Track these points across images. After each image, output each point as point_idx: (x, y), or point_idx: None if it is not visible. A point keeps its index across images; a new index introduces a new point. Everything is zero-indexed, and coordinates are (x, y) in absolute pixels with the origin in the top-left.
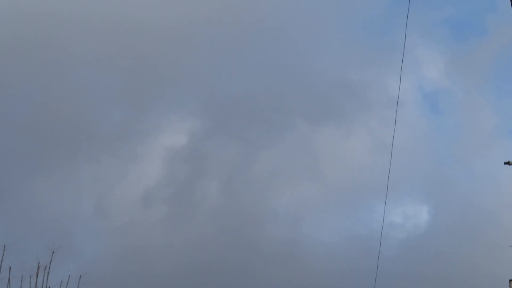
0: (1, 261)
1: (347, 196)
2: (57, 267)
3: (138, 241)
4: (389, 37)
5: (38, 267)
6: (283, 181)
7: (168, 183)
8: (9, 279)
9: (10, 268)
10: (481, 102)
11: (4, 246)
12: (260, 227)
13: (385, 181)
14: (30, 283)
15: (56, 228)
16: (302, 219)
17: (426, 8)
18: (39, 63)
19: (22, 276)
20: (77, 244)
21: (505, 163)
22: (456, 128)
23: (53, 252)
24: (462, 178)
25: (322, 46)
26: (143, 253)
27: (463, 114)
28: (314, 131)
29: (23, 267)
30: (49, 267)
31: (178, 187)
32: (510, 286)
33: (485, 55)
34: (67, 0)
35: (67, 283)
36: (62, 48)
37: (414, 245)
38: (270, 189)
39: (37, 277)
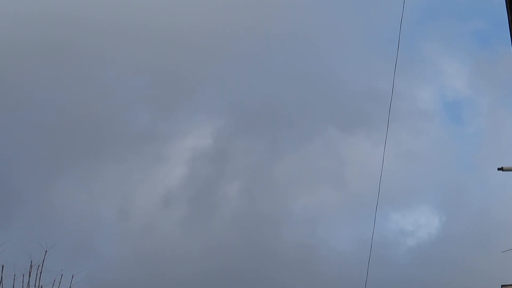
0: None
1: (366, 203)
2: (72, 270)
3: (156, 245)
4: (416, 47)
5: (31, 266)
6: (304, 186)
7: (190, 184)
8: (1, 278)
9: (2, 266)
10: (503, 113)
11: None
12: (277, 231)
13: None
14: (22, 282)
15: (77, 231)
16: (319, 224)
17: (452, 17)
18: (67, 66)
19: (14, 275)
20: (97, 247)
21: (499, 169)
22: (476, 138)
23: (46, 251)
24: (476, 188)
25: (351, 54)
26: (159, 259)
27: (484, 124)
28: (341, 138)
29: (17, 266)
30: (42, 266)
31: (199, 188)
32: None
33: (510, 65)
34: (95, 3)
35: (60, 282)
36: (91, 51)
37: (425, 253)
38: (290, 193)
39: (29, 276)
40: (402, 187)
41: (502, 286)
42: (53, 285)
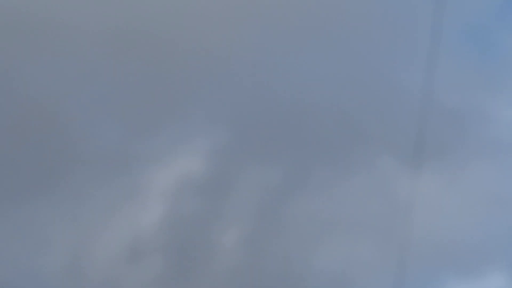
0: None
1: (424, 264)
2: None
3: None
4: (501, 53)
5: None
6: (334, 235)
7: (171, 228)
8: None
9: None
10: None
11: None
12: None
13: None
14: None
15: None
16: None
17: None
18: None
19: None
20: None
21: None
22: None
23: None
24: None
25: (415, 59)
26: None
27: None
28: (399, 171)
29: None
30: None
31: (183, 234)
32: None
33: None
34: None
35: None
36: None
37: None
38: (313, 243)
39: None
40: (476, 244)
41: None
42: None
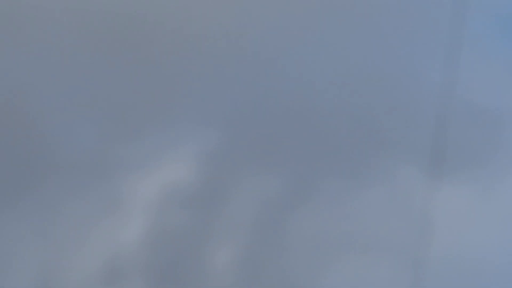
0: None
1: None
2: None
3: None
4: None
5: None
6: (346, 253)
7: (154, 247)
8: None
9: None
10: None
11: None
12: None
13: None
14: None
15: None
16: None
17: None
18: None
19: None
20: None
21: None
22: None
23: None
24: None
25: (437, 54)
26: None
27: None
28: (416, 181)
29: None
30: None
31: (168, 254)
32: None
33: None
34: None
35: None
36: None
37: None
38: (323, 264)
39: None
40: (504, 266)
41: None
42: None
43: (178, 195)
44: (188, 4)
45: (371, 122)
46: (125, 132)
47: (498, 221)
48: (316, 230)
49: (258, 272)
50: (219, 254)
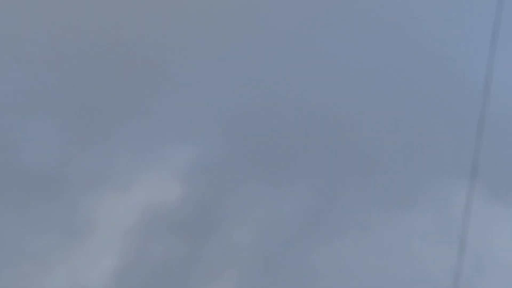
0: None
1: None
2: None
3: None
4: None
5: None
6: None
7: (133, 278)
8: None
9: None
10: None
11: None
12: None
13: None
14: None
15: None
16: None
17: None
18: None
19: None
20: None
21: None
22: None
23: None
24: None
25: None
26: None
27: None
28: (458, 195)
29: None
30: None
31: (148, 285)
32: None
33: None
34: None
35: None
36: None
37: None
38: None
39: None
40: None
41: None
42: None
43: (162, 219)
44: (177, 10)
45: (402, 128)
46: (92, 140)
47: None
48: (338, 267)
49: None
50: (211, 284)
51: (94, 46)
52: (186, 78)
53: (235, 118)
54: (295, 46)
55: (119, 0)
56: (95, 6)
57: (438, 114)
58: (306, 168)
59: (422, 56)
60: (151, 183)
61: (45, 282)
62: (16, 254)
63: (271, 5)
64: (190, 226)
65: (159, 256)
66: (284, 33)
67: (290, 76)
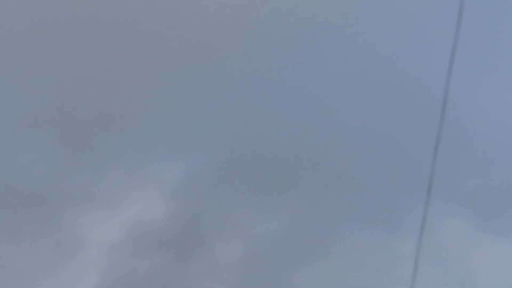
0: None
1: None
2: None
3: None
4: None
5: None
6: None
7: None
8: None
9: None
10: None
11: None
12: None
13: None
14: None
15: None
16: None
17: None
18: None
19: None
20: None
21: None
22: None
23: None
24: None
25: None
26: None
27: None
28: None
29: None
30: None
31: None
32: None
33: None
34: None
35: None
36: None
37: None
38: None
39: None
40: None
41: None
42: None
43: (149, 236)
44: (168, 27)
45: (400, 149)
46: (79, 157)
47: None
48: (322, 287)
49: None
50: None
51: (84, 64)
52: (175, 96)
53: (224, 137)
54: (285, 66)
55: (111, 18)
56: (85, 25)
57: (426, 137)
58: (293, 187)
59: (414, 79)
60: (139, 200)
61: None
62: (2, 271)
63: (262, 26)
64: (177, 244)
65: (146, 273)
66: (274, 54)
67: (279, 97)
